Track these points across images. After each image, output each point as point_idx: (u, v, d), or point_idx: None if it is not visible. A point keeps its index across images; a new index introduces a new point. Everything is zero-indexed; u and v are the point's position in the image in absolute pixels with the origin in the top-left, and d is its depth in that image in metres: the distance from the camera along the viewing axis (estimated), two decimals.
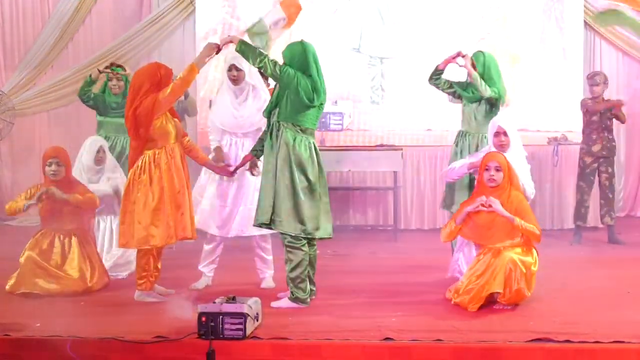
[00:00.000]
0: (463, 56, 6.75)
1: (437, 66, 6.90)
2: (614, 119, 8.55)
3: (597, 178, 8.61)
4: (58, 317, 5.43)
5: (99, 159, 7.02)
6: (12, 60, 10.61)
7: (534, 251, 5.75)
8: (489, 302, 5.59)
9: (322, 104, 5.84)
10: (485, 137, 6.64)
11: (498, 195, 5.72)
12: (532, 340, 4.80)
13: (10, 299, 6.02)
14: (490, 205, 5.65)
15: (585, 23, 10.11)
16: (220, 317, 4.78)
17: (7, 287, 6.22)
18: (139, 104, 5.78)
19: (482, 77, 6.68)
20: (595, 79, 8.50)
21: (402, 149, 9.17)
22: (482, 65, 6.84)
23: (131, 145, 6.00)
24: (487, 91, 6.64)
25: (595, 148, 8.50)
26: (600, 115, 8.47)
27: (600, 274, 6.92)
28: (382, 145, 9.51)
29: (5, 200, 10.56)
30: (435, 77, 6.89)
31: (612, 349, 4.70)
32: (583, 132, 8.66)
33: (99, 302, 5.96)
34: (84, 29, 10.58)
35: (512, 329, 5.04)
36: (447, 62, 6.83)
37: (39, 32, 10.48)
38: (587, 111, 8.52)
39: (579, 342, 4.76)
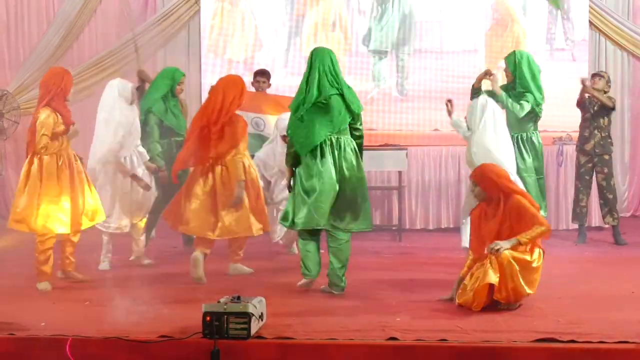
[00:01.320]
0: (490, 76, 7.31)
1: (472, 85, 7.48)
2: (611, 118, 8.52)
3: (594, 178, 8.60)
4: (63, 317, 5.44)
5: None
6: (17, 60, 10.63)
7: (538, 249, 5.69)
8: (493, 302, 5.57)
9: (321, 102, 5.99)
10: (521, 138, 7.32)
11: (494, 207, 5.66)
12: (537, 340, 4.79)
13: (15, 298, 6.03)
14: (497, 251, 5.47)
15: (591, 23, 10.10)
16: (225, 316, 4.78)
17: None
18: (230, 116, 6.58)
19: (514, 78, 7.21)
20: (594, 79, 8.49)
21: (406, 149, 9.17)
22: (513, 64, 7.18)
23: (202, 144, 6.60)
24: (518, 111, 6.95)
25: (588, 146, 8.47)
26: (593, 113, 8.45)
27: (604, 274, 6.92)
28: (386, 145, 9.51)
29: (9, 199, 10.60)
30: (474, 95, 7.25)
31: (617, 349, 4.68)
32: (579, 131, 8.66)
33: (104, 301, 5.97)
34: (89, 29, 10.60)
35: (517, 328, 5.03)
36: (480, 79, 7.43)
37: (44, 31, 10.50)
38: (578, 105, 8.53)
39: (584, 342, 4.75)
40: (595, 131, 8.45)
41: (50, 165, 6.38)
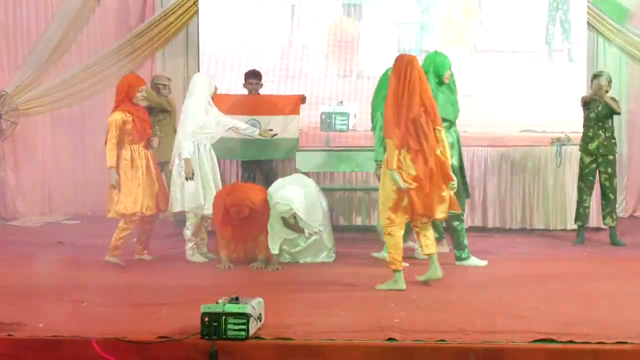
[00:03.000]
0: None
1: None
2: (613, 118, 8.52)
3: (597, 178, 8.59)
4: (61, 318, 5.43)
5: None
6: (16, 60, 10.62)
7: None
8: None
9: None
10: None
11: None
12: (535, 341, 4.80)
13: (12, 299, 6.03)
14: None
15: (588, 23, 10.10)
16: (223, 317, 4.78)
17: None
18: None
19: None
20: (597, 78, 8.49)
21: None
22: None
23: None
24: None
25: (592, 146, 8.46)
26: (598, 113, 8.45)
27: (603, 275, 6.92)
28: None
29: (8, 200, 10.59)
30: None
31: (615, 350, 4.69)
32: (583, 130, 8.64)
33: (102, 302, 5.96)
34: (88, 29, 10.59)
35: (515, 329, 5.03)
36: None
37: (43, 32, 10.49)
38: (584, 104, 8.52)
39: (582, 342, 4.76)
40: (600, 131, 8.44)
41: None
